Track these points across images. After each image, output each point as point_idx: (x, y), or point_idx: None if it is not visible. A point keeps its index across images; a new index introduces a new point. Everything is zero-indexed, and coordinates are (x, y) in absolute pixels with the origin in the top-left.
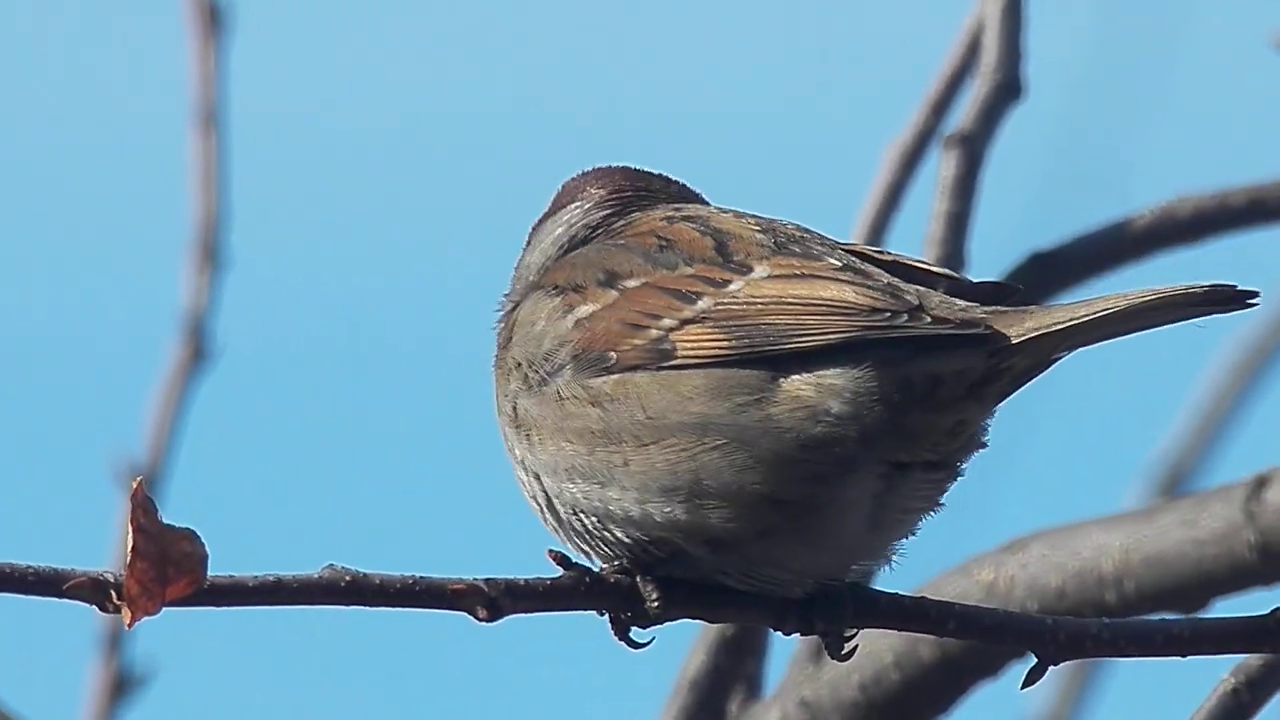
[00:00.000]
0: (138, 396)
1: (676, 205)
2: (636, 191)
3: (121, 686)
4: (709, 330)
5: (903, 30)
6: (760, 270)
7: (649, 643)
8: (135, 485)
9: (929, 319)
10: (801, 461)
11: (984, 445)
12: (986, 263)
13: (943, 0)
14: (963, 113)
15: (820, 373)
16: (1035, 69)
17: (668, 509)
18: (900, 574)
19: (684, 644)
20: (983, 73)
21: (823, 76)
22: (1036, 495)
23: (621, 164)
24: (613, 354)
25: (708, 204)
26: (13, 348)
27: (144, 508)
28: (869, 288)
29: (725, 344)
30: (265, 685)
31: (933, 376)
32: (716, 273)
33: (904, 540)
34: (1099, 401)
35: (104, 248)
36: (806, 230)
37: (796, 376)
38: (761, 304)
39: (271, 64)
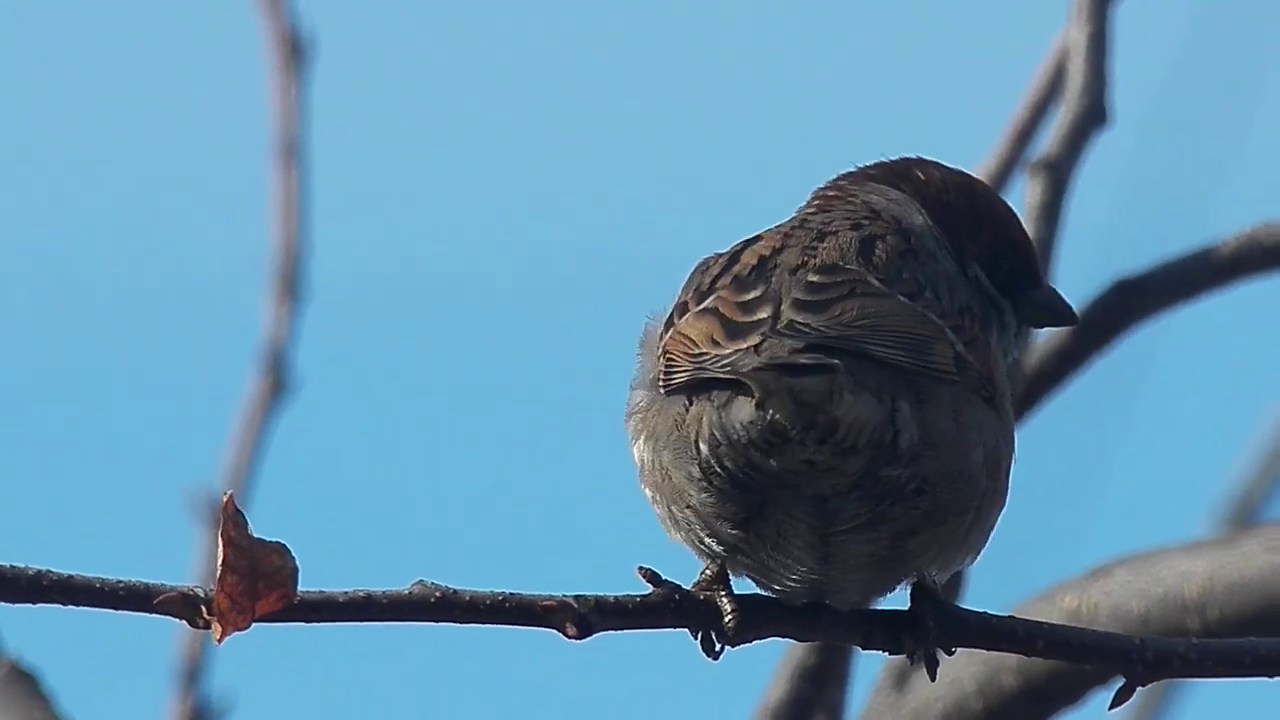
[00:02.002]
0: (218, 428)
1: (802, 220)
2: (831, 201)
3: (202, 717)
4: (663, 362)
5: (989, 56)
6: (696, 305)
7: (721, 651)
8: (227, 498)
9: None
10: (706, 499)
11: (903, 461)
12: (1072, 289)
13: (1029, 26)
14: (1048, 139)
15: (699, 411)
16: (1121, 95)
17: (673, 530)
18: (985, 600)
19: (765, 672)
20: (1068, 99)
21: (909, 102)
22: (1119, 522)
23: (902, 157)
24: (659, 375)
25: (917, 217)
26: (96, 379)
27: (234, 521)
28: (720, 321)
29: (667, 376)
30: (345, 712)
31: (742, 421)
32: (687, 304)
33: (899, 562)
34: (1179, 430)
35: (185, 279)
36: (834, 260)
37: (692, 412)
38: (673, 340)
39: (353, 95)
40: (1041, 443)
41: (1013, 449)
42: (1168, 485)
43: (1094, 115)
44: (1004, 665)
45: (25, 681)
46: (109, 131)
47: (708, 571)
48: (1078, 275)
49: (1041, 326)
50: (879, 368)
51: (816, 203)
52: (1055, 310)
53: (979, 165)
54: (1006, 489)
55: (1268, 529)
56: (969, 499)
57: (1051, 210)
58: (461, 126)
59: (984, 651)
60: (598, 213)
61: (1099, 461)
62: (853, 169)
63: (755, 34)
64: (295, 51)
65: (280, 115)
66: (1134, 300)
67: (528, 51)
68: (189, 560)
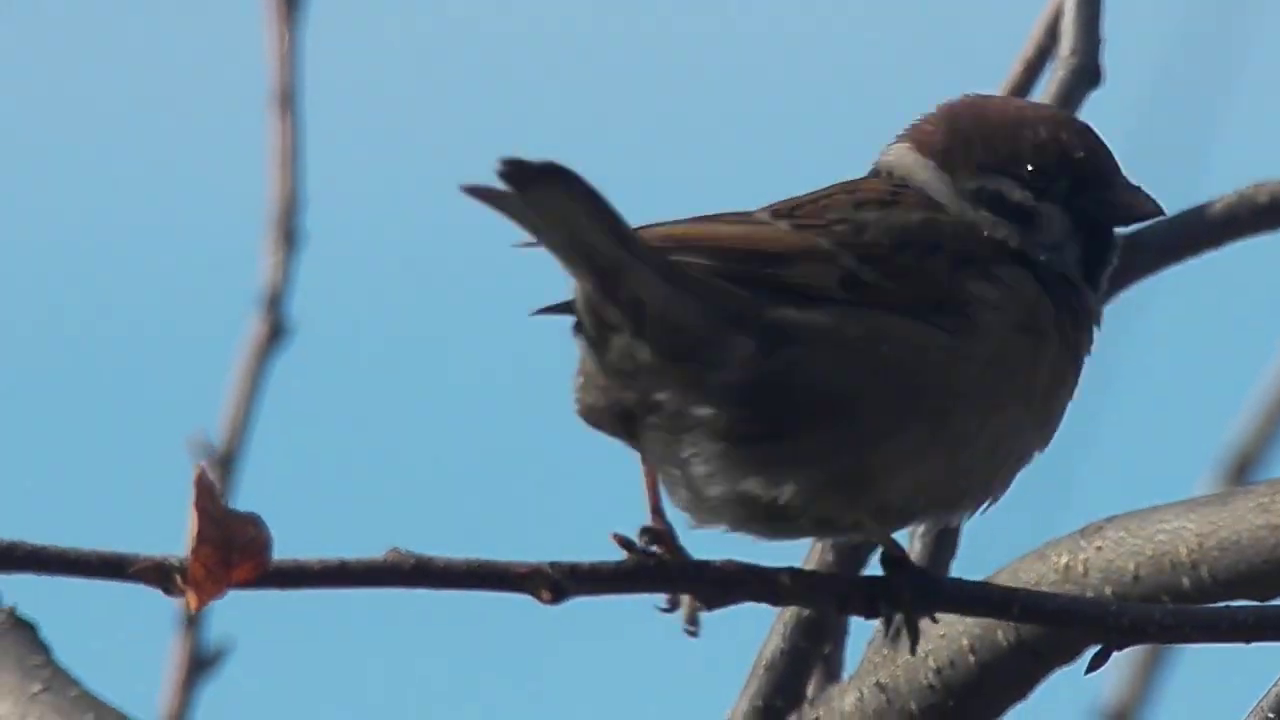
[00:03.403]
0: (215, 376)
1: None
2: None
3: (200, 665)
4: None
5: (980, 16)
6: None
7: (697, 628)
8: (197, 470)
9: None
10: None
11: (738, 397)
12: None
13: None
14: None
15: None
16: (1113, 55)
17: None
18: (979, 559)
19: (762, 626)
20: (1060, 58)
21: (900, 63)
22: (1114, 480)
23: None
24: None
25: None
26: (92, 328)
27: (207, 492)
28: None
29: None
30: (336, 663)
31: None
32: None
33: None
34: (1173, 389)
35: (181, 228)
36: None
37: None
38: None
39: (348, 42)
40: None
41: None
42: (1161, 443)
43: (1086, 74)
44: (999, 621)
45: (23, 630)
46: (106, 79)
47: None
48: None
49: (1116, 225)
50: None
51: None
52: (1122, 208)
53: None
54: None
55: (1260, 487)
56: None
57: None
58: (460, 71)
59: None
60: (595, 161)
61: (1093, 420)
62: None
63: None
64: None
65: (276, 61)
66: (1126, 259)
67: None
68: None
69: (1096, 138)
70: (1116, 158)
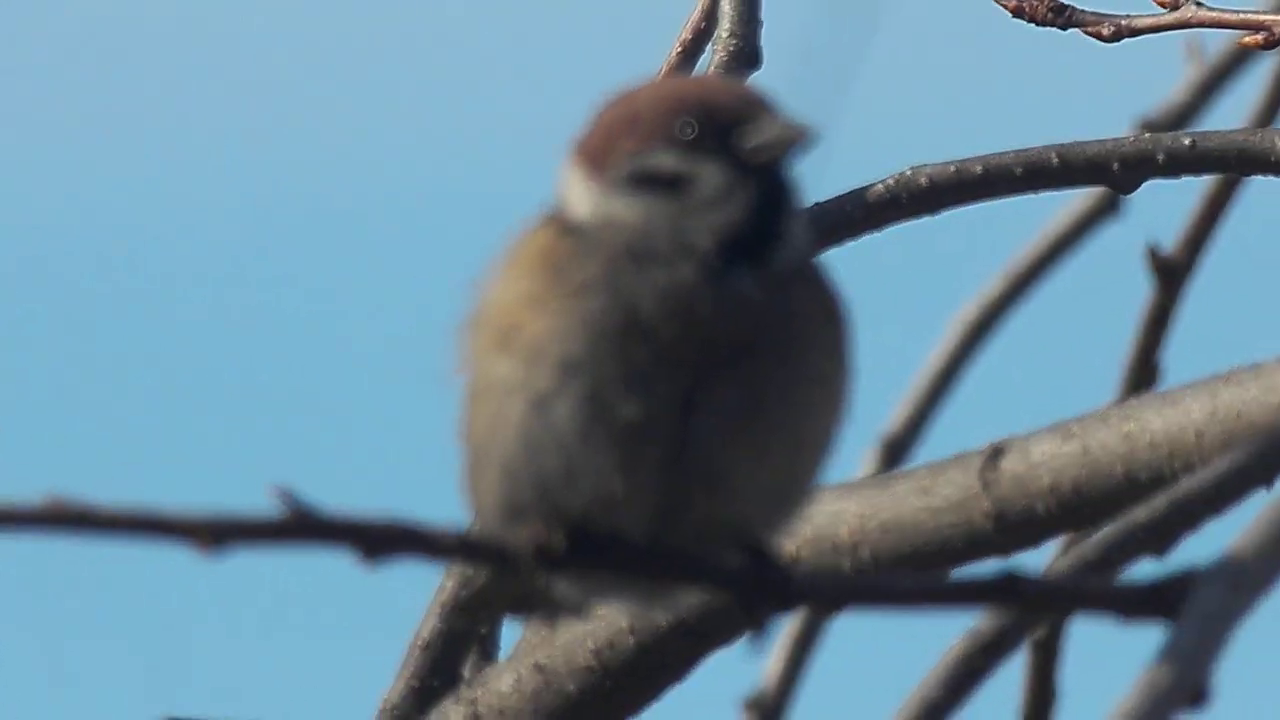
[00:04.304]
0: None
1: None
2: None
3: None
4: None
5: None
6: None
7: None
8: None
9: None
10: None
11: None
12: None
13: None
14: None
15: None
16: (770, 37)
17: None
18: None
19: (418, 607)
20: (719, 39)
21: (556, 44)
22: None
23: None
24: None
25: None
26: None
27: None
28: None
29: None
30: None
31: None
32: None
33: None
34: None
35: None
36: None
37: None
38: None
39: None
40: None
41: None
42: None
43: (744, 56)
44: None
45: None
46: None
47: None
48: None
49: (766, 160)
50: None
51: None
52: (769, 142)
53: None
54: None
55: (920, 471)
56: None
57: None
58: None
59: None
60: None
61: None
62: None
63: None
64: None
65: None
66: None
67: None
68: None
69: (748, 88)
70: (774, 102)
